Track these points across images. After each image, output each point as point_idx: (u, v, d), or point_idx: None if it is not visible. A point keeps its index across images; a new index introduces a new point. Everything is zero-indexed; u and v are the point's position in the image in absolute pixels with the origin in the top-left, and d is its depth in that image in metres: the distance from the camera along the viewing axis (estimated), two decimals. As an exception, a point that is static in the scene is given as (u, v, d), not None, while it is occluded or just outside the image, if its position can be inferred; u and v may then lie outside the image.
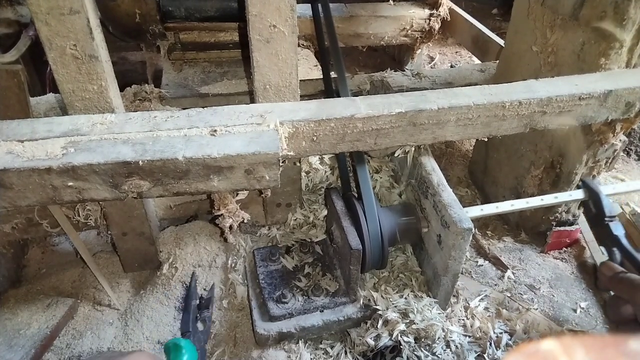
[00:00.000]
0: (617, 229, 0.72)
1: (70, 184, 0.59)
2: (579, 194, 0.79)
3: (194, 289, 0.94)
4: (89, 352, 0.88)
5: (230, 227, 0.88)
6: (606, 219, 0.73)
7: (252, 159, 0.62)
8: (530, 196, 0.92)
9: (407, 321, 0.84)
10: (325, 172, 1.13)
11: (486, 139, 0.82)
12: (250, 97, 1.22)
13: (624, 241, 0.71)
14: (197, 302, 0.92)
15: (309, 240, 0.99)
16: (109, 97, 0.73)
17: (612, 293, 0.69)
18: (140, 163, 0.59)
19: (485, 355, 0.83)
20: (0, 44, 1.00)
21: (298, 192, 1.03)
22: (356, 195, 0.92)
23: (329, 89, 1.07)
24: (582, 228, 1.10)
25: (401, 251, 1.00)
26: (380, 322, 0.84)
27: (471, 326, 0.87)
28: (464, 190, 1.28)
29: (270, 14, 0.70)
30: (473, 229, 0.76)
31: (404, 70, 1.41)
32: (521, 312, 0.89)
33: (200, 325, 0.89)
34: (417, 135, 0.74)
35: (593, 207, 0.77)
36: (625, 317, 0.62)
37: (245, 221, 0.90)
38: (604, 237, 0.73)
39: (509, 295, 0.97)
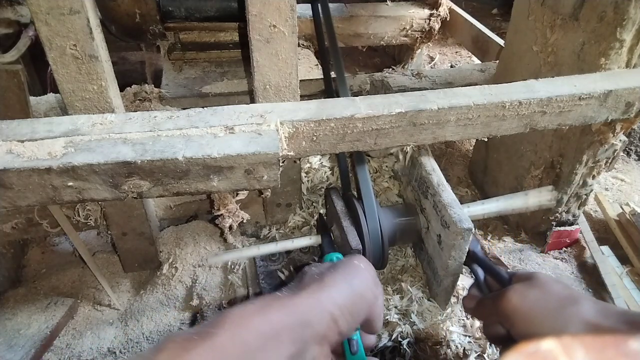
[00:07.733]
0: (473, 245, 0.71)
1: (70, 184, 0.59)
2: None
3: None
4: (89, 352, 0.88)
5: (230, 227, 0.88)
6: None
7: (252, 159, 0.62)
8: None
9: (407, 322, 0.84)
10: (325, 172, 1.13)
11: (486, 139, 0.82)
12: (250, 97, 1.22)
13: (481, 256, 0.69)
14: None
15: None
16: (109, 97, 0.73)
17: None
18: (140, 163, 0.59)
19: (485, 355, 0.83)
20: (0, 44, 1.00)
21: (298, 192, 1.03)
22: (356, 195, 0.92)
23: (329, 89, 1.07)
24: (582, 228, 1.10)
25: (401, 251, 1.00)
26: (380, 322, 0.84)
27: (471, 326, 0.87)
28: (464, 190, 1.28)
29: (270, 14, 0.70)
30: (473, 229, 0.76)
31: (404, 70, 1.41)
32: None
33: None
34: (417, 135, 0.74)
35: None
36: (501, 336, 0.61)
37: (245, 221, 0.90)
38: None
39: (509, 295, 0.97)
